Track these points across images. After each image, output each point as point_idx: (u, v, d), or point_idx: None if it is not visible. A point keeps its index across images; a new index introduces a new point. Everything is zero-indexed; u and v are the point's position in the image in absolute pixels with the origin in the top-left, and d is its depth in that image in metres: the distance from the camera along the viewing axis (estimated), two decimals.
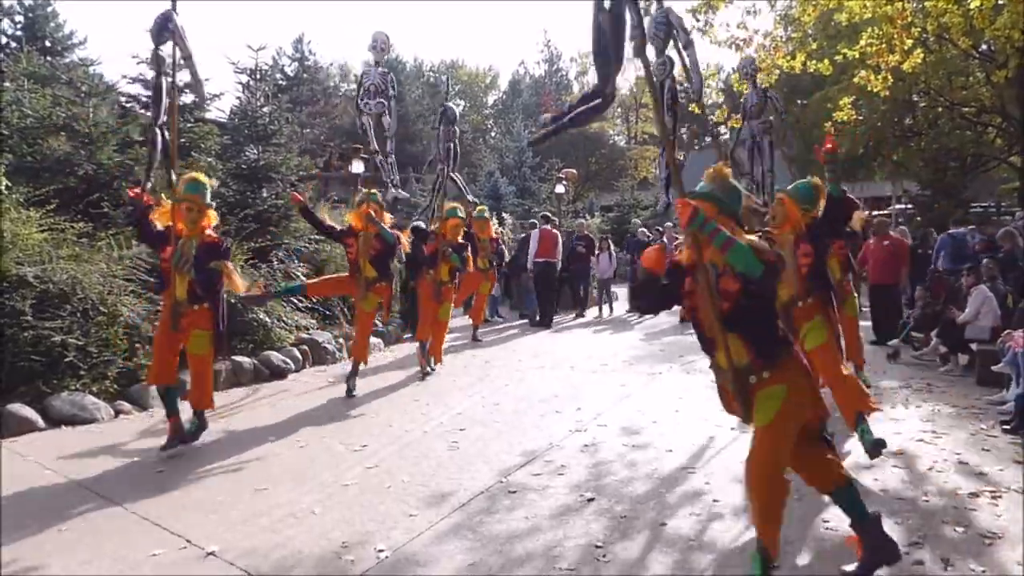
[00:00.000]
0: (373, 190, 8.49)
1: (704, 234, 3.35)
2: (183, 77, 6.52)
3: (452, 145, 11.71)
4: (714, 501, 4.88)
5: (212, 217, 6.09)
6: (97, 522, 4.62)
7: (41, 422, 6.68)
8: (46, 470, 5.59)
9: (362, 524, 4.50)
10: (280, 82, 35.32)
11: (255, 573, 3.88)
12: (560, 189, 23.28)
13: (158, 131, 6.34)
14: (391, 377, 9.20)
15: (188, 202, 5.88)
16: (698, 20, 12.47)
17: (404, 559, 4.04)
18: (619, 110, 53.67)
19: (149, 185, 6.25)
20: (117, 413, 7.22)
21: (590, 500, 4.92)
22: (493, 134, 52.80)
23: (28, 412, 6.63)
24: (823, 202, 5.45)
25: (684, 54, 6.83)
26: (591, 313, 16.16)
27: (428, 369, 9.33)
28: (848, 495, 3.72)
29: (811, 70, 12.55)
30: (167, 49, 6.30)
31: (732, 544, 4.22)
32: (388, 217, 8.46)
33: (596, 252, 16.48)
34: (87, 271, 7.67)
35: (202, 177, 6.09)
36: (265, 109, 13.37)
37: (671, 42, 6.89)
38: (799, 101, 26.87)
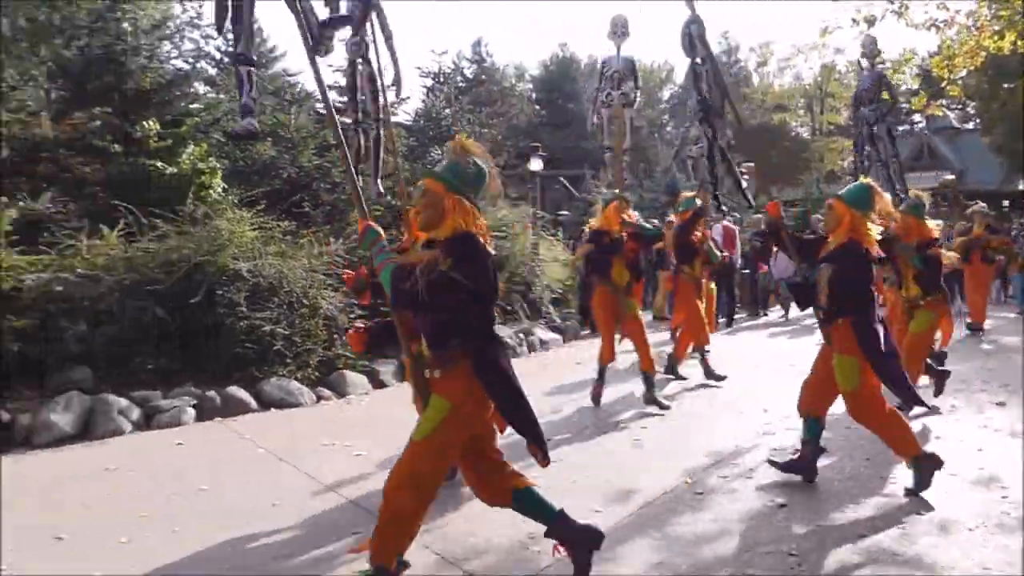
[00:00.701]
0: (617, 190, 7.66)
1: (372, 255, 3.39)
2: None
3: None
4: (917, 515, 4.56)
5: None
6: (304, 496, 4.98)
7: (255, 404, 7.30)
8: (259, 448, 6.09)
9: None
10: (460, 84, 36.48)
11: (449, 558, 4.03)
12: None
13: (357, 131, 5.89)
14: (574, 373, 9.26)
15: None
16: (893, 2, 11.68)
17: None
18: (802, 100, 51.24)
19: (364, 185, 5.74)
20: (318, 398, 7.76)
21: (781, 506, 4.74)
22: (669, 129, 52.01)
23: (244, 395, 7.27)
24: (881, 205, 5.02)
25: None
26: (775, 313, 15.56)
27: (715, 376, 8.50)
28: (529, 499, 3.56)
29: (1022, 51, 11.44)
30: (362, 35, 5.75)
31: (947, 564, 3.93)
32: (635, 215, 7.64)
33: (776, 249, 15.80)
34: (292, 266, 8.27)
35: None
36: (447, 111, 13.87)
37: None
38: (1005, 85, 24.56)
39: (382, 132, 5.87)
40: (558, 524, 3.58)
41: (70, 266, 7.56)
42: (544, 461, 3.57)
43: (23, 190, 8.89)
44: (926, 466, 4.82)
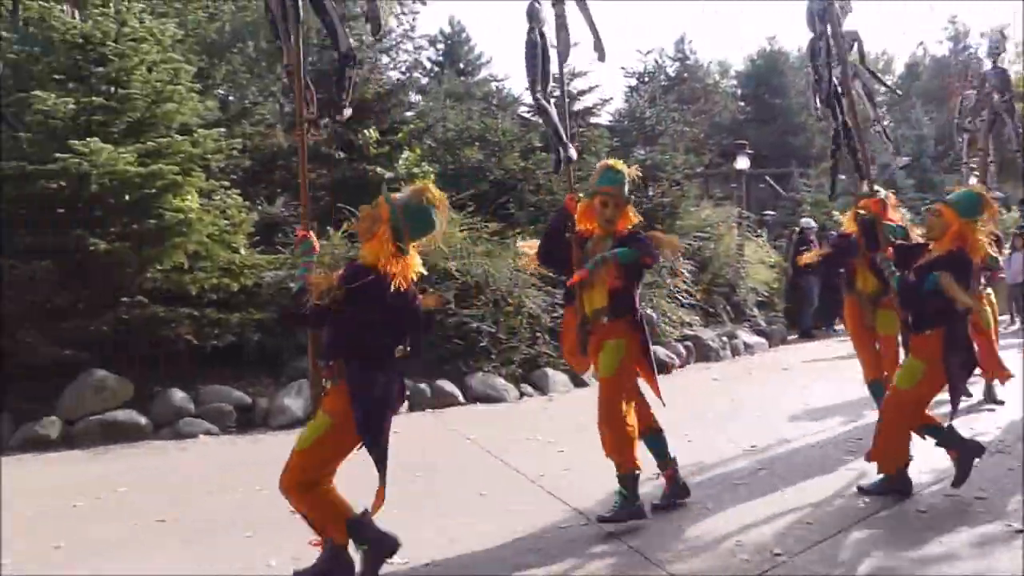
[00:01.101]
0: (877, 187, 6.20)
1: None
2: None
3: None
4: None
5: (631, 216, 4.70)
6: (509, 488, 5.14)
7: (461, 397, 7.64)
8: (466, 439, 6.35)
9: (755, 524, 4.41)
10: (663, 83, 36.05)
11: (650, 557, 4.00)
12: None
13: (543, 101, 5.00)
14: (780, 379, 8.89)
15: (603, 196, 4.62)
16: None
17: (804, 565, 3.88)
18: None
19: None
20: (521, 395, 7.97)
21: (1019, 532, 4.29)
22: (887, 123, 48.46)
23: (452, 388, 7.62)
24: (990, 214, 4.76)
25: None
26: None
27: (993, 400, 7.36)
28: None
29: None
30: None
31: None
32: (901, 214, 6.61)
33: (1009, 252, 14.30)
34: (498, 266, 8.54)
35: (619, 165, 4.77)
36: (650, 111, 13.76)
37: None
38: None
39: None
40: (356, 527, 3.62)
41: None
42: (378, 496, 3.58)
43: (262, 196, 9.81)
44: (898, 484, 4.80)
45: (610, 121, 16.37)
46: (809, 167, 21.98)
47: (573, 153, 5.12)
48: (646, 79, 14.40)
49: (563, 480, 5.26)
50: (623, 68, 14.72)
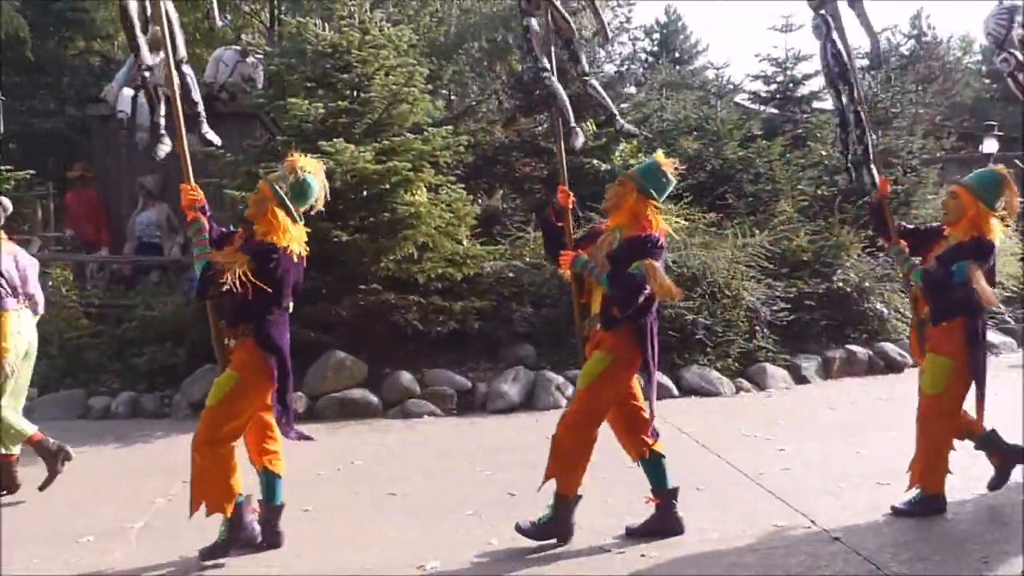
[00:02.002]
0: None
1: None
2: None
3: None
4: None
5: (647, 216, 4.13)
6: (726, 484, 5.05)
7: (675, 390, 7.58)
8: (682, 434, 6.30)
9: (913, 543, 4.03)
10: (896, 63, 33.44)
11: (879, 566, 3.79)
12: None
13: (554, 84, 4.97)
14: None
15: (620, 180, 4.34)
16: None
17: None
18: None
19: None
20: (738, 390, 7.77)
21: None
22: None
23: (666, 380, 7.57)
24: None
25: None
26: None
27: None
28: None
29: None
30: None
31: None
32: None
33: None
34: (715, 257, 8.36)
35: (659, 158, 4.27)
36: (883, 94, 12.82)
37: None
38: None
39: None
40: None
41: (519, 255, 8.57)
42: (287, 428, 4.04)
43: (482, 189, 10.26)
44: (938, 501, 4.39)
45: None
46: None
47: (579, 142, 5.06)
48: (880, 60, 13.40)
49: (784, 479, 5.09)
50: (855, 48, 13.76)
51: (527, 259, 8.47)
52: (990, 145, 14.81)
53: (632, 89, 14.16)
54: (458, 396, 7.45)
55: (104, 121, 10.02)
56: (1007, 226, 4.46)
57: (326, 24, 8.73)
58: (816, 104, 13.29)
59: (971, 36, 46.26)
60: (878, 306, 9.15)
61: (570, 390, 7.51)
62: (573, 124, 5.08)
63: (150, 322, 7.85)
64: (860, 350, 8.75)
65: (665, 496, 4.24)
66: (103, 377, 7.81)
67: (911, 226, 5.03)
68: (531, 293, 8.26)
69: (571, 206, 4.53)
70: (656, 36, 25.46)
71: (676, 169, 4.30)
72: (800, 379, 8.21)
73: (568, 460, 4.14)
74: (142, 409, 7.43)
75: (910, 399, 4.57)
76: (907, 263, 4.57)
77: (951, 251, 4.34)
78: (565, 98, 5.03)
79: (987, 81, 30.59)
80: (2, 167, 9.05)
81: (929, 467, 4.39)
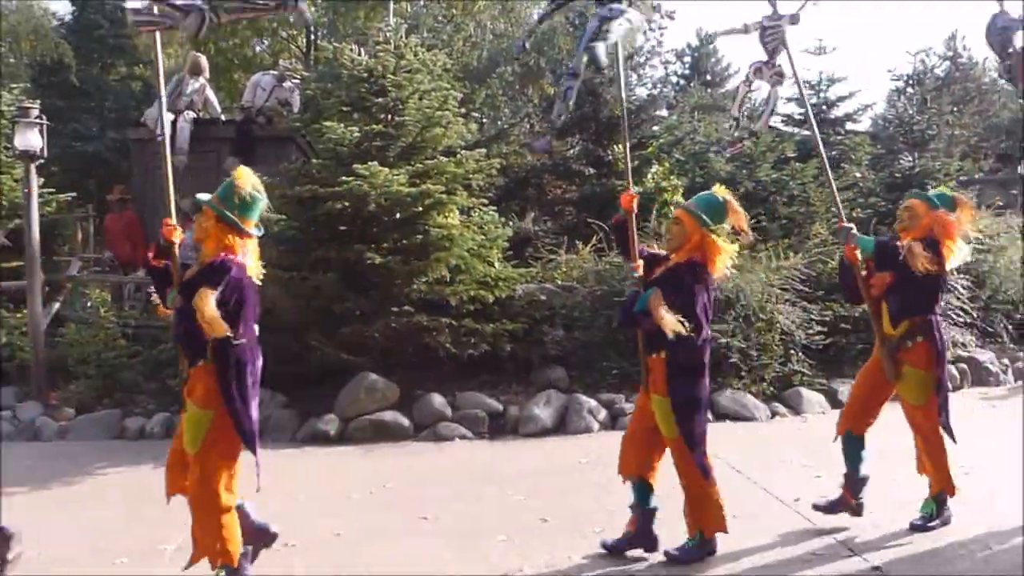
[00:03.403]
0: None
1: None
2: None
3: None
4: None
5: (701, 244, 4.22)
6: (762, 511, 4.97)
7: (710, 415, 7.43)
8: (716, 459, 6.19)
9: None
10: (932, 84, 33.12)
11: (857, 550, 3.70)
12: None
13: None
14: None
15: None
16: None
17: None
18: None
19: None
20: (773, 414, 7.66)
21: None
22: None
23: None
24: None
25: None
26: None
27: None
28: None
29: None
30: None
31: None
32: None
33: None
34: (749, 280, 8.27)
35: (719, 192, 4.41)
36: (919, 116, 12.70)
37: None
38: None
39: None
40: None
41: (551, 277, 8.56)
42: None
43: (514, 212, 10.27)
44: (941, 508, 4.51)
45: (871, 127, 15.32)
46: None
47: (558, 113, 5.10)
48: (914, 81, 13.30)
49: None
50: (890, 71, 13.69)
51: (559, 282, 8.46)
52: None
53: (664, 112, 14.14)
54: (490, 419, 7.42)
55: (143, 145, 10.24)
56: (746, 248, 4.48)
57: (361, 49, 8.84)
58: (850, 126, 13.17)
59: None
60: None
61: (603, 414, 7.45)
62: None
63: None
64: None
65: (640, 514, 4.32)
66: (139, 398, 7.90)
67: (652, 250, 4.84)
68: (563, 316, 8.22)
69: (634, 209, 4.50)
70: (687, 59, 25.38)
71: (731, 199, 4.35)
72: (836, 403, 8.04)
73: (939, 458, 4.50)
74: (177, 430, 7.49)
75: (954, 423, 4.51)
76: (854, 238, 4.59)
77: (666, 273, 4.23)
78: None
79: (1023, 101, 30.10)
80: (44, 189, 9.26)
81: (943, 471, 4.50)
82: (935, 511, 4.52)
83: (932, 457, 4.55)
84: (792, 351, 8.18)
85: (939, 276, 4.45)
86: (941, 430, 4.52)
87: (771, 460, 6.18)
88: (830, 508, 4.71)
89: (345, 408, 7.39)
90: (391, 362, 7.69)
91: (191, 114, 9.98)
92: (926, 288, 4.43)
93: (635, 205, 4.50)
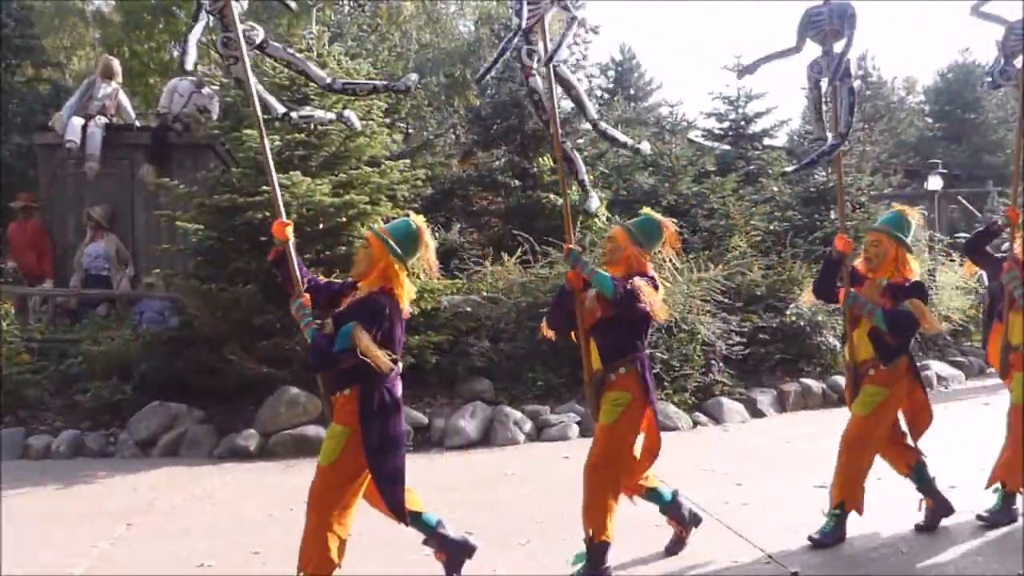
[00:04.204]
0: None
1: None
2: None
3: None
4: None
5: (906, 258, 4.61)
6: None
7: None
8: None
9: None
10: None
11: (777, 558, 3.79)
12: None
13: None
14: (982, 416, 8.16)
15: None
16: None
17: None
18: None
19: None
20: (695, 424, 7.79)
21: None
22: None
23: None
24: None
25: None
26: None
27: None
28: None
29: None
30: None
31: None
32: None
33: None
34: (671, 291, 8.39)
35: (909, 211, 4.80)
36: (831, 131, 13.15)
37: None
38: None
39: None
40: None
41: (477, 289, 8.53)
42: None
43: (439, 223, 10.21)
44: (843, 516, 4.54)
45: (787, 143, 15.82)
46: (1008, 186, 20.19)
47: (594, 204, 5.49)
48: (827, 99, 13.80)
49: (742, 514, 5.09)
50: (803, 88, 14.09)
51: (484, 293, 8.44)
52: (934, 182, 15.28)
53: (588, 125, 14.32)
54: (415, 432, 7.33)
55: (51, 150, 9.82)
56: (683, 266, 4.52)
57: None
58: (767, 141, 13.57)
59: (914, 77, 47.90)
60: (831, 340, 9.28)
61: (528, 425, 7.45)
62: (588, 186, 5.04)
63: (95, 357, 7.61)
64: (814, 383, 8.87)
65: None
66: (44, 415, 7.54)
67: None
68: (488, 327, 8.21)
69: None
70: (611, 73, 25.81)
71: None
72: (756, 412, 8.27)
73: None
74: (85, 448, 7.17)
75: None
76: (866, 307, 4.48)
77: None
78: (580, 161, 4.94)
79: (930, 120, 31.63)
80: None
81: (848, 484, 4.51)
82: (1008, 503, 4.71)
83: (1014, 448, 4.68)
84: (713, 361, 8.35)
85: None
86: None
87: (693, 469, 6.26)
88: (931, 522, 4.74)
89: (265, 423, 7.20)
90: (313, 375, 7.51)
91: (103, 119, 9.60)
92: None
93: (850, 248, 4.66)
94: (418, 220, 3.89)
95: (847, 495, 4.50)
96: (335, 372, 3.69)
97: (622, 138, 5.08)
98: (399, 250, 3.70)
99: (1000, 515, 4.69)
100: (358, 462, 3.68)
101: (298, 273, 3.88)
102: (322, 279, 4.18)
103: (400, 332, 3.77)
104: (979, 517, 4.70)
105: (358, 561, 3.90)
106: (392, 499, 3.78)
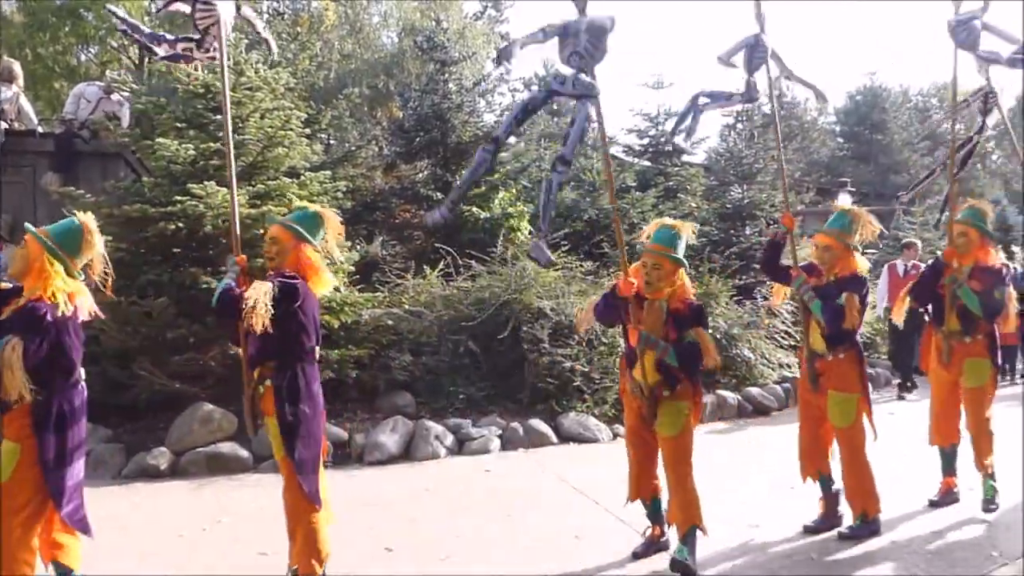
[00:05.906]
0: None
1: None
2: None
3: None
4: None
5: (683, 278, 4.53)
6: (604, 531, 5.08)
7: (554, 437, 7.59)
8: (561, 481, 6.30)
9: None
10: (756, 120, 35.54)
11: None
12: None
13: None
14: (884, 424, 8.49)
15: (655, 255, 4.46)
16: None
17: None
18: None
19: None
20: (615, 435, 7.86)
21: None
22: (995, 157, 46.34)
23: (544, 428, 7.59)
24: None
25: None
26: None
27: None
28: None
29: None
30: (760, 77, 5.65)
31: None
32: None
33: None
34: (592, 305, 8.49)
35: (680, 225, 4.65)
36: (747, 151, 13.58)
37: None
38: None
39: None
40: None
41: (398, 302, 8.46)
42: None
43: (361, 235, 10.10)
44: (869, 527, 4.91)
45: (705, 160, 16.23)
46: (913, 204, 21.14)
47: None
48: (743, 118, 14.25)
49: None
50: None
51: (406, 306, 8.38)
52: (844, 199, 15.86)
53: (512, 139, 14.41)
54: (334, 448, 7.18)
55: None
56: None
57: (198, 64, 8.46)
58: (686, 158, 13.88)
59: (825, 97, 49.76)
60: (746, 352, 9.51)
61: (450, 439, 7.39)
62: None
63: None
64: (730, 395, 9.06)
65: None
66: None
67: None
68: (410, 341, 8.14)
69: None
70: (535, 88, 26.13)
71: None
72: None
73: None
74: None
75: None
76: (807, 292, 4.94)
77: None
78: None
79: (840, 140, 33.00)
80: None
81: (865, 493, 4.86)
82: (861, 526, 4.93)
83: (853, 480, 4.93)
84: None
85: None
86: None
87: (612, 481, 6.30)
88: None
89: (177, 441, 6.95)
90: (229, 391, 7.31)
91: (2, 124, 9.18)
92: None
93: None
94: (84, 218, 3.89)
95: (867, 506, 4.89)
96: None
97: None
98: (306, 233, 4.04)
99: (861, 530, 4.91)
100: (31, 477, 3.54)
101: None
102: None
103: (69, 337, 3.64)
104: (840, 535, 4.91)
105: None
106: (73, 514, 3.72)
